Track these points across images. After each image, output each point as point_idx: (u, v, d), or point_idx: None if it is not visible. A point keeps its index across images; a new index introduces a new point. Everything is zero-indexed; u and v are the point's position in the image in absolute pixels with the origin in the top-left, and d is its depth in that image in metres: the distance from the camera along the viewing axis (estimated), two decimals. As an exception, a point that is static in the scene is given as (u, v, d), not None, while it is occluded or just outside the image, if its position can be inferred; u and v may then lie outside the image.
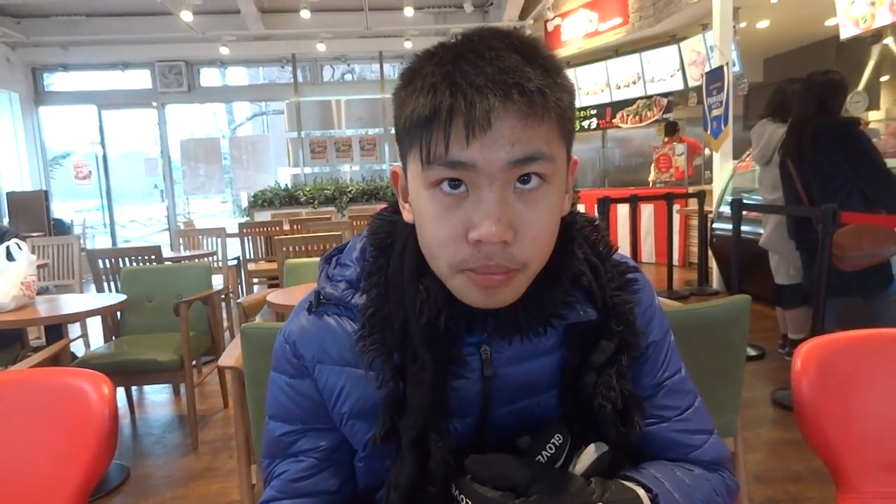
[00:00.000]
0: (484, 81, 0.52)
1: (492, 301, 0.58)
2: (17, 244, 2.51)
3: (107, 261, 3.56)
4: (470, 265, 0.56)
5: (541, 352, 0.66)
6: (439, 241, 0.57)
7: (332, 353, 0.68)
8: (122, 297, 2.70)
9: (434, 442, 0.61)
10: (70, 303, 2.65)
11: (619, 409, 0.64)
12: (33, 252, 2.67)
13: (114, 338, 2.99)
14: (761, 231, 3.44)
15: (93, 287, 3.66)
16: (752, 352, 3.47)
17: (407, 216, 0.64)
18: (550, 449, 0.60)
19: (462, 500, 0.58)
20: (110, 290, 3.52)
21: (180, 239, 5.63)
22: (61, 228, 7.73)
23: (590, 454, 0.62)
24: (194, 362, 2.79)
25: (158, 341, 2.75)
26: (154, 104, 9.38)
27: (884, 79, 6.36)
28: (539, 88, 0.53)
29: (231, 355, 1.58)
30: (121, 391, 3.10)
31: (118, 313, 3.00)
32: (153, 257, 3.65)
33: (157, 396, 3.44)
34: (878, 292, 2.72)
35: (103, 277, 3.54)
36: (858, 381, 1.01)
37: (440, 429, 0.62)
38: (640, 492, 0.61)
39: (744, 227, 3.44)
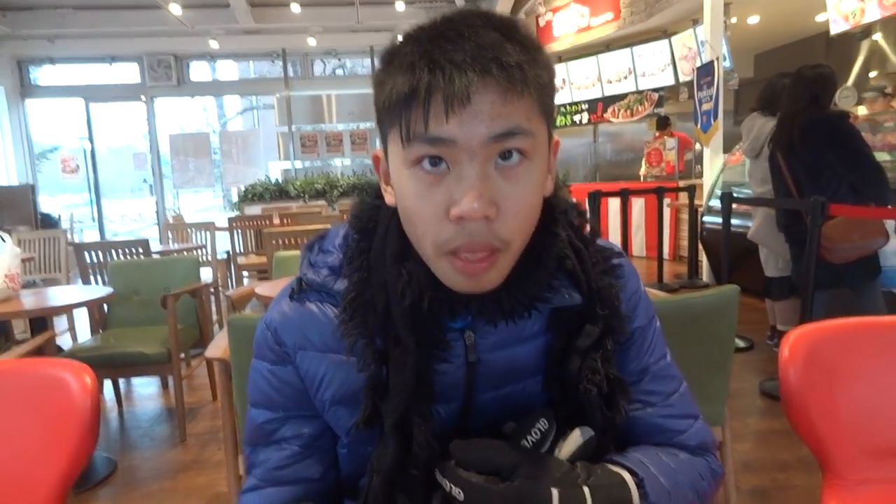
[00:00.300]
0: (462, 57, 0.52)
1: (476, 285, 0.58)
2: (1, 237, 2.48)
3: (94, 254, 3.52)
4: (454, 245, 0.55)
5: (525, 337, 0.65)
6: (422, 220, 0.56)
7: (313, 340, 0.67)
8: (109, 289, 2.68)
9: (417, 425, 0.61)
10: (55, 295, 2.62)
11: (605, 394, 0.63)
12: (19, 245, 2.64)
13: (101, 331, 2.96)
14: (751, 224, 3.46)
15: (79, 281, 3.63)
16: (741, 343, 3.49)
17: (389, 199, 0.63)
18: (535, 434, 0.60)
19: (446, 484, 0.57)
20: (98, 284, 3.48)
21: (169, 233, 5.59)
22: (49, 223, 7.65)
23: (575, 439, 0.62)
24: (183, 355, 2.76)
25: (146, 334, 2.72)
26: (143, 98, 9.28)
27: (872, 74, 6.40)
28: (518, 64, 0.52)
29: (218, 346, 1.57)
30: (108, 384, 3.07)
31: (105, 307, 2.98)
32: (141, 251, 3.62)
33: (145, 389, 3.42)
34: (866, 283, 2.74)
35: (90, 271, 3.51)
36: (845, 369, 1.01)
37: (423, 412, 0.61)
38: (626, 476, 0.60)
39: (734, 221, 3.46)
